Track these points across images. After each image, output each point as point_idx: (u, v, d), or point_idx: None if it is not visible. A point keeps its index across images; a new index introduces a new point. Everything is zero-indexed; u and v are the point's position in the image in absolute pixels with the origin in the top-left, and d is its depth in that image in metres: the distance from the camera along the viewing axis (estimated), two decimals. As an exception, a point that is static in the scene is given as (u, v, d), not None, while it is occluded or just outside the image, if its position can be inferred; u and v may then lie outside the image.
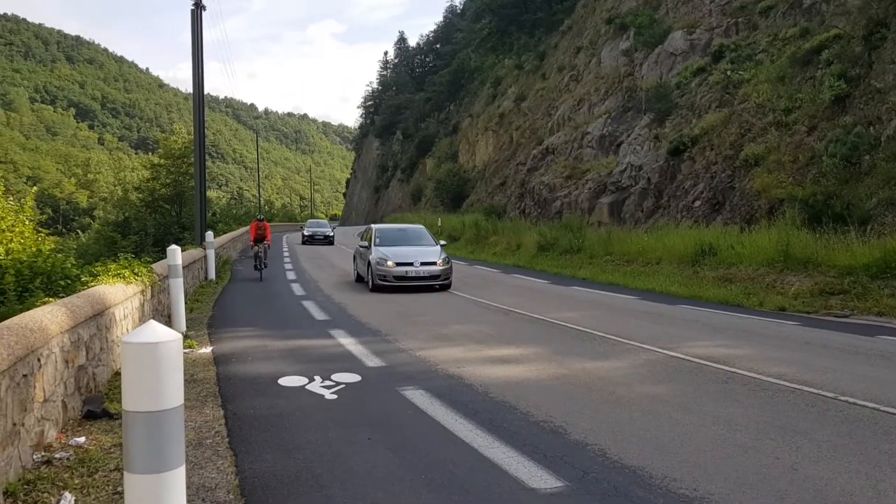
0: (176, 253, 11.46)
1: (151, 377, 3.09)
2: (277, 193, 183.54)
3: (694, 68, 28.61)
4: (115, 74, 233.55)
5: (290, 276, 22.12)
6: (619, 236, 23.89)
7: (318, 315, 13.48)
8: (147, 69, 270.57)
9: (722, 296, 15.23)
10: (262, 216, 23.08)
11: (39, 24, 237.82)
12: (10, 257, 10.93)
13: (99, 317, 7.17)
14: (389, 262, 16.79)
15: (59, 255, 10.64)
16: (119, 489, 4.61)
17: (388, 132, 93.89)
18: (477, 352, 9.58)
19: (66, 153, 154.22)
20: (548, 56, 51.41)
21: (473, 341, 10.39)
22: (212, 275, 20.09)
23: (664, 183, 25.50)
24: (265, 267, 21.14)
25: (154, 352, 3.09)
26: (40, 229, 15.82)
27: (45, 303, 6.87)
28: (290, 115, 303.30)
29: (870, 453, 5.30)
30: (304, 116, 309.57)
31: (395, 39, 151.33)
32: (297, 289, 18.25)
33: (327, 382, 7.81)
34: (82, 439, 5.66)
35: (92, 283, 8.22)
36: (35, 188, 32.62)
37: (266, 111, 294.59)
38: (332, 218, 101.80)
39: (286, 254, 32.78)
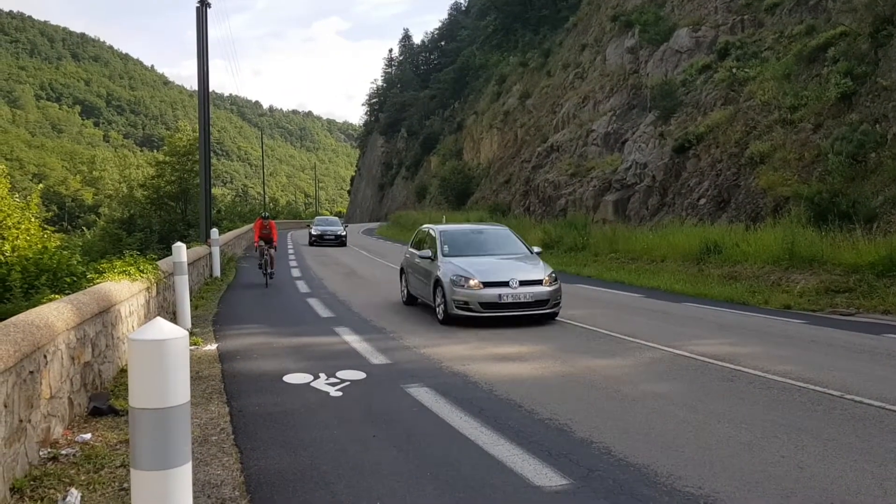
0: (181, 250, 11.48)
1: (158, 374, 3.09)
2: (282, 191, 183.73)
3: (699, 66, 28.55)
4: (120, 72, 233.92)
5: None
6: (624, 234, 23.85)
7: (323, 312, 13.49)
8: (152, 66, 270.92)
9: (727, 294, 15.19)
10: (268, 214, 20.51)
11: (45, 22, 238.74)
12: (15, 254, 10.99)
13: (105, 314, 7.19)
14: (473, 282, 11.43)
15: (65, 252, 10.68)
16: (125, 485, 4.62)
17: (393, 130, 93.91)
18: (482, 349, 9.58)
19: (72, 150, 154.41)
20: (553, 53, 51.36)
21: (478, 339, 10.39)
22: (217, 272, 20.11)
23: (669, 180, 25.45)
24: (272, 275, 18.52)
25: (161, 349, 3.09)
26: (46, 226, 15.90)
27: (51, 300, 6.89)
28: (294, 112, 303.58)
29: (876, 451, 5.29)
30: (309, 114, 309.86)
31: (400, 37, 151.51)
32: (303, 286, 18.25)
33: (332, 380, 7.81)
34: (88, 436, 5.67)
35: (97, 280, 8.24)
36: (41, 185, 32.78)
37: (271, 108, 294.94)
38: (338, 215, 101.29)
39: (291, 254, 32.75)
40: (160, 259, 12.01)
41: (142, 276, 9.30)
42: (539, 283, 11.59)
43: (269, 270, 18.30)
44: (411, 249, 14.13)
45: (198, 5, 22.18)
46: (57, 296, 7.45)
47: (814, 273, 14.93)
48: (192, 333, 10.63)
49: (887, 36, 18.96)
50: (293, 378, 7.93)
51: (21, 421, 4.63)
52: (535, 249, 13.34)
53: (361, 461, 5.24)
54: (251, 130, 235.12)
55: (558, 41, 51.81)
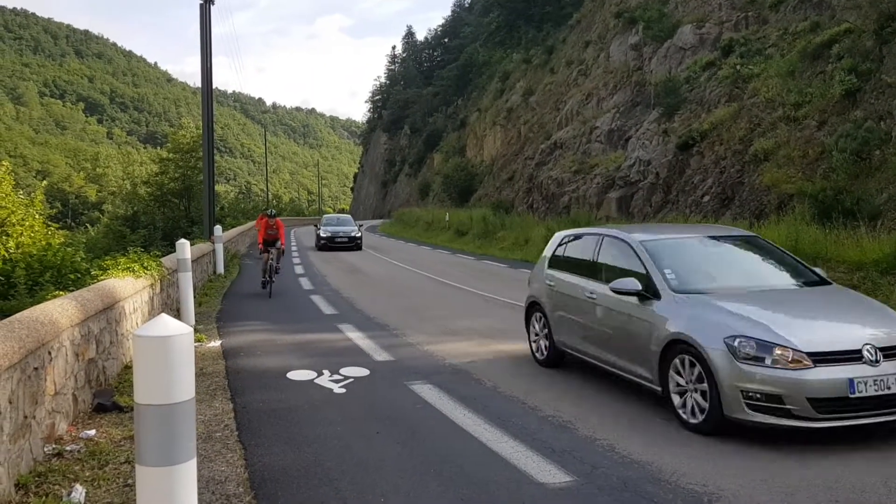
0: (185, 247, 11.49)
1: (163, 370, 3.10)
2: (285, 188, 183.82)
3: (703, 62, 28.46)
4: (123, 69, 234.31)
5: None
6: (628, 231, 23.76)
7: (326, 309, 13.50)
8: (156, 63, 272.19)
9: (731, 291, 15.14)
10: (274, 211, 17.97)
11: (48, 19, 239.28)
12: (20, 251, 11.02)
13: (109, 310, 7.20)
14: (787, 353, 5.44)
15: (69, 249, 10.71)
16: (129, 482, 4.64)
17: (396, 127, 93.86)
18: (485, 346, 9.57)
19: (75, 147, 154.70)
20: (556, 50, 51.27)
21: (481, 336, 10.39)
22: (220, 269, 20.13)
23: (673, 178, 25.40)
24: (273, 279, 15.82)
25: (165, 345, 3.10)
26: (50, 223, 15.94)
27: (55, 296, 6.90)
28: (297, 109, 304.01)
29: (881, 449, 5.28)
30: (312, 111, 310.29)
31: (403, 34, 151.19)
32: (306, 283, 18.26)
33: (336, 376, 7.82)
34: (93, 432, 5.69)
35: (101, 277, 8.26)
36: (44, 182, 32.80)
37: (274, 105, 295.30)
38: (341, 212, 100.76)
39: (294, 250, 32.74)
40: (164, 256, 12.03)
41: (146, 273, 9.32)
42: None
43: (272, 278, 15.70)
44: (559, 275, 8.29)
45: (202, 2, 22.19)
46: (61, 292, 7.46)
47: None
48: (195, 330, 10.64)
49: (892, 33, 18.89)
50: (297, 375, 7.94)
51: (26, 417, 4.64)
52: (818, 271, 7.33)
53: (365, 457, 5.25)
54: (254, 127, 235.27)
55: (562, 38, 51.71)
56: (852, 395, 5.28)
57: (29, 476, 4.56)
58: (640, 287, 6.52)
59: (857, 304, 6.60)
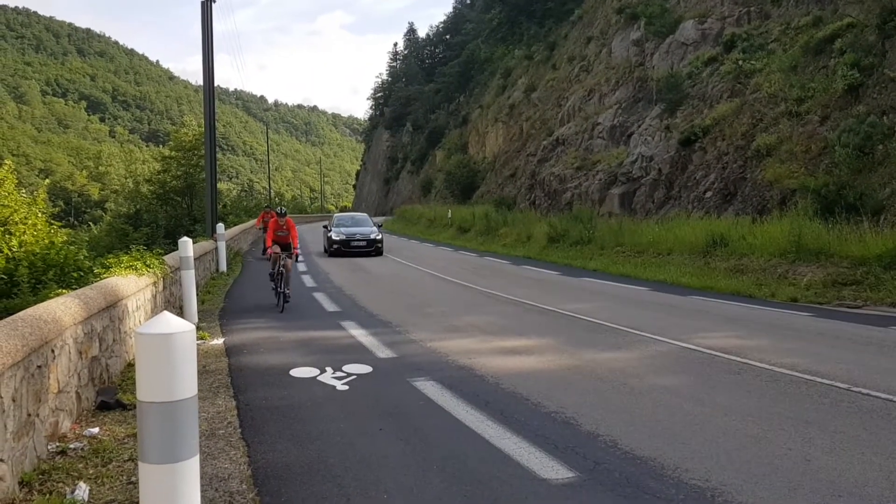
0: (187, 245, 11.50)
1: (165, 368, 3.11)
2: (287, 185, 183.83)
3: (705, 58, 28.42)
4: (125, 67, 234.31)
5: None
6: (630, 227, 23.79)
7: (329, 307, 13.51)
8: (157, 62, 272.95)
9: (733, 287, 15.15)
10: (285, 209, 14.99)
11: (50, 18, 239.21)
12: (23, 249, 11.02)
13: (112, 308, 7.21)
14: None
15: (72, 248, 10.69)
16: (133, 479, 4.65)
17: (398, 124, 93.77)
18: (488, 343, 9.58)
19: (78, 146, 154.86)
20: (558, 46, 51.17)
21: (484, 332, 10.39)
22: (223, 267, 20.16)
23: (675, 173, 25.37)
24: (287, 297, 13.18)
25: (168, 342, 3.10)
26: (53, 222, 15.91)
27: (58, 294, 6.91)
28: (299, 106, 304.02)
29: (883, 444, 5.27)
30: (314, 108, 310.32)
31: (405, 30, 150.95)
32: (308, 280, 18.27)
33: (339, 373, 7.83)
34: (96, 430, 5.70)
35: (104, 275, 8.27)
36: (47, 181, 32.90)
37: (276, 103, 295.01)
38: (343, 210, 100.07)
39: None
40: (166, 254, 12.05)
41: (148, 271, 9.33)
42: None
43: (284, 290, 13.20)
44: None
45: (203, 0, 22.16)
46: (64, 291, 7.47)
47: (821, 266, 14.88)
48: (198, 328, 10.66)
49: (895, 27, 18.85)
50: (300, 372, 7.95)
51: (29, 415, 4.65)
52: None
53: (368, 454, 5.25)
54: (256, 125, 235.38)
55: (564, 34, 51.60)
56: None
57: (33, 474, 4.57)
58: None
59: None
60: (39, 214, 14.94)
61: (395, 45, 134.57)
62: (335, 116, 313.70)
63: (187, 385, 3.17)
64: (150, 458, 3.12)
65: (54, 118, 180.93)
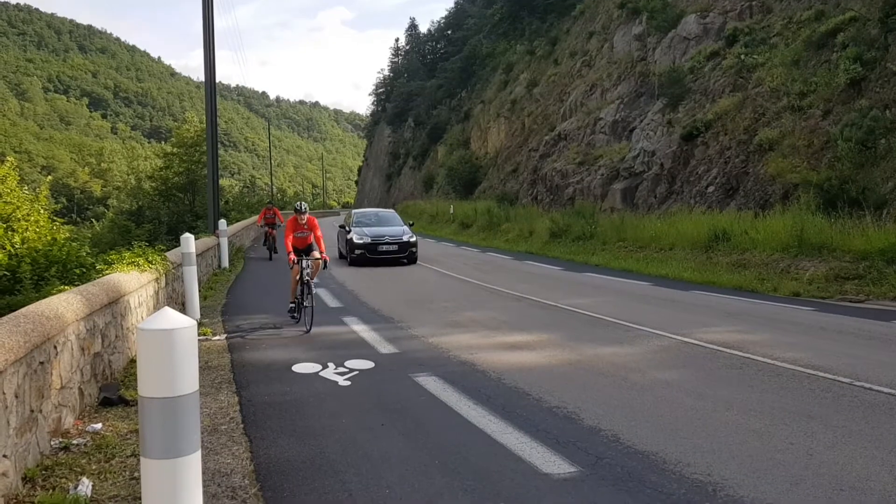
0: (189, 241, 11.52)
1: (167, 363, 3.11)
2: (289, 181, 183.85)
3: (707, 52, 28.34)
4: (127, 64, 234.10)
5: None
6: (632, 222, 23.77)
7: (331, 302, 13.51)
8: (159, 58, 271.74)
9: (736, 281, 15.15)
10: (306, 206, 11.94)
11: (52, 14, 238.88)
12: (25, 246, 11.02)
13: (114, 304, 7.22)
14: None
15: (74, 244, 10.70)
16: (136, 475, 4.66)
17: (400, 119, 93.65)
18: (489, 338, 9.58)
19: (80, 143, 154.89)
20: (560, 41, 51.06)
21: (486, 328, 10.39)
22: (225, 263, 20.18)
23: (677, 168, 25.34)
24: (311, 305, 10.62)
25: (169, 338, 3.11)
26: (55, 218, 15.91)
27: (60, 291, 6.92)
28: (301, 102, 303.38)
29: (885, 438, 5.27)
30: (316, 104, 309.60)
31: (406, 26, 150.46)
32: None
33: (341, 369, 7.84)
34: (99, 426, 5.71)
35: (107, 272, 8.27)
36: (49, 178, 32.93)
37: (277, 99, 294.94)
38: (345, 206, 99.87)
39: None
40: (169, 250, 12.05)
41: (151, 267, 9.33)
42: None
43: (311, 303, 10.62)
44: None
45: (204, -4, 22.13)
46: (66, 287, 7.49)
47: (823, 260, 14.86)
48: (201, 324, 10.67)
49: (897, 21, 18.78)
50: (302, 367, 7.96)
51: (32, 411, 4.66)
52: None
53: (370, 449, 5.26)
54: (258, 121, 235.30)
55: (565, 29, 51.48)
56: None
57: (36, 469, 4.58)
58: None
59: None
60: (42, 211, 14.94)
61: (397, 40, 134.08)
62: (337, 112, 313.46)
63: (189, 381, 3.17)
64: (152, 453, 3.12)
65: (56, 115, 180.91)
